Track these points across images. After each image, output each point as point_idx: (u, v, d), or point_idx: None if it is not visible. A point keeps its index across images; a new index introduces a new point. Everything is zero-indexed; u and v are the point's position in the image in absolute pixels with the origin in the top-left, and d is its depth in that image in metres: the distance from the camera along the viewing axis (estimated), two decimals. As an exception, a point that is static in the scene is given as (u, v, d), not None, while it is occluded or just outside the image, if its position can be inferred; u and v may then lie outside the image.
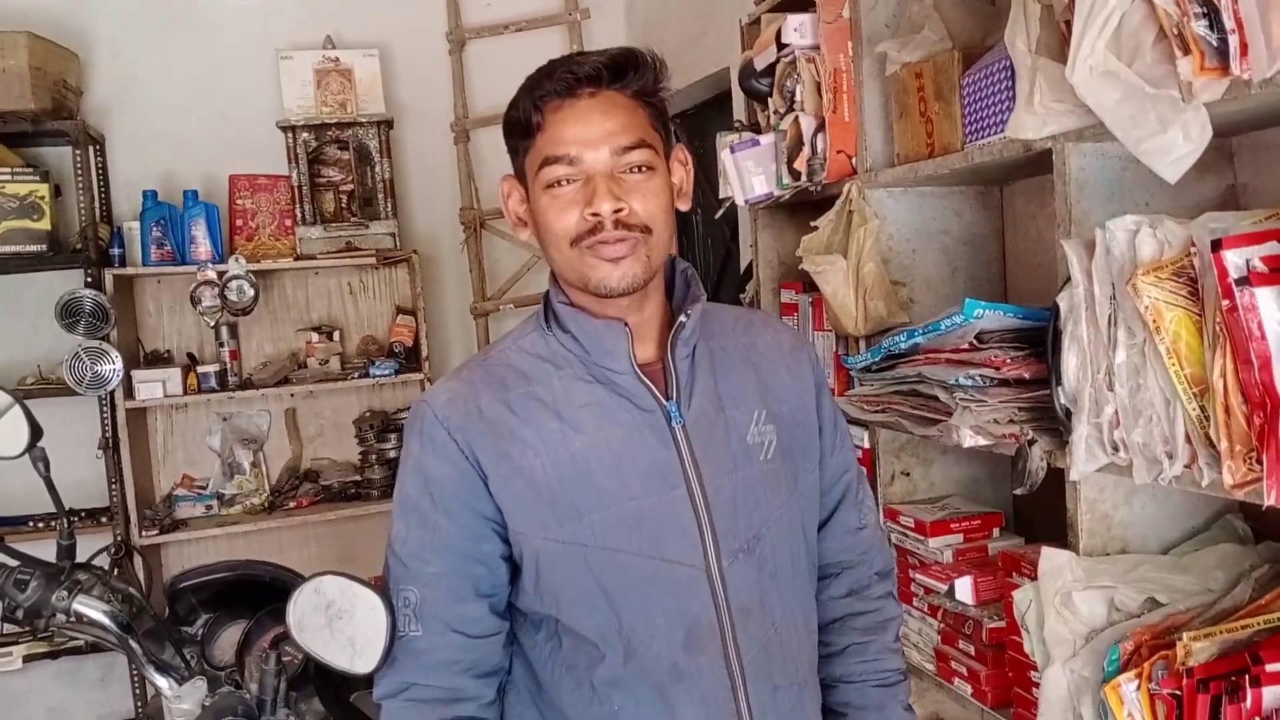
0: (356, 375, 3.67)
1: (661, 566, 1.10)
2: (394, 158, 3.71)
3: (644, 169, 1.10)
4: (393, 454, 3.79)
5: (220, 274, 3.36)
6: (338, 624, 1.07)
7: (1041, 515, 1.86)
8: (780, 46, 2.00)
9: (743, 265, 3.17)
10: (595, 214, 1.08)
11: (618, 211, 1.08)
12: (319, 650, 1.09)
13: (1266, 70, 1.05)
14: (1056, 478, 1.46)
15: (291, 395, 3.78)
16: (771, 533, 1.16)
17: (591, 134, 1.08)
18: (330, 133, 3.64)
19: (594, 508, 1.10)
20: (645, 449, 1.12)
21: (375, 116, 3.65)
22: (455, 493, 1.12)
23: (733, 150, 2.19)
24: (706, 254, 4.00)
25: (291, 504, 3.61)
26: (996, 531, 1.85)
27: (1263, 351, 1.08)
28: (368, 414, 3.86)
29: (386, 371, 3.66)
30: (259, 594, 1.56)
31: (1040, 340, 1.51)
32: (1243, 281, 1.09)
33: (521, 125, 1.12)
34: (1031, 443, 1.44)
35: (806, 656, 1.22)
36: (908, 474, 1.97)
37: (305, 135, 3.59)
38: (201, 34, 3.67)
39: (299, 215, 3.61)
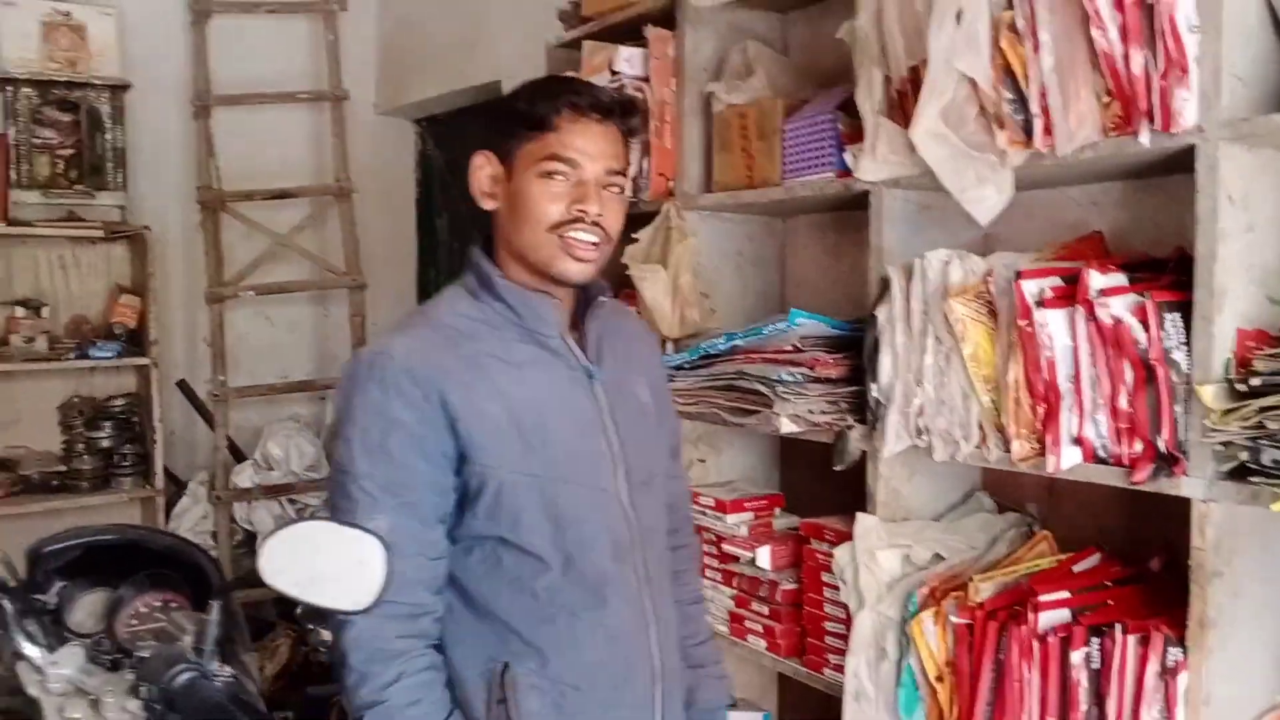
0: (72, 356, 3.38)
1: (594, 494, 1.36)
2: (126, 127, 3.48)
3: (619, 189, 1.36)
4: (105, 443, 3.53)
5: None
6: (321, 566, 1.13)
7: (805, 496, 2.21)
8: (612, 74, 2.20)
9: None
10: (583, 210, 1.31)
11: (599, 215, 1.32)
12: (299, 592, 1.14)
13: (1067, 147, 1.43)
14: (825, 463, 1.80)
15: (-13, 375, 3.40)
16: (659, 474, 1.47)
17: (595, 149, 1.31)
18: (56, 91, 3.35)
19: (547, 444, 1.32)
20: (576, 399, 1.37)
21: (109, 80, 3.41)
22: (424, 434, 1.28)
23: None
24: (451, 257, 4.10)
25: (-13, 495, 3.25)
26: (778, 510, 2.17)
27: (1050, 358, 1.45)
28: (76, 400, 3.56)
29: (108, 354, 3.42)
30: (120, 561, 1.52)
31: (845, 347, 1.84)
32: (1040, 304, 1.45)
33: (533, 119, 1.31)
34: (849, 428, 1.76)
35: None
36: (703, 461, 2.25)
37: (27, 90, 3.28)
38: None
39: (12, 177, 3.28)
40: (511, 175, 1.33)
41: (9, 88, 3.25)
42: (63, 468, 3.49)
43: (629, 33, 2.28)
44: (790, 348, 1.84)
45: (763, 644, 2.00)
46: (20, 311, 3.39)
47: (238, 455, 3.86)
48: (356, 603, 1.14)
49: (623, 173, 1.35)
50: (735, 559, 2.07)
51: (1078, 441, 1.44)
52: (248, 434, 3.95)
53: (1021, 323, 1.47)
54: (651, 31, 2.18)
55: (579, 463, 1.35)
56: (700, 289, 2.19)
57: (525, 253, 1.34)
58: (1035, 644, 1.46)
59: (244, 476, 3.71)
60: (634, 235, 2.22)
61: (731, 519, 2.09)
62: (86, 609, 1.49)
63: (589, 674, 1.33)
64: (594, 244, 1.32)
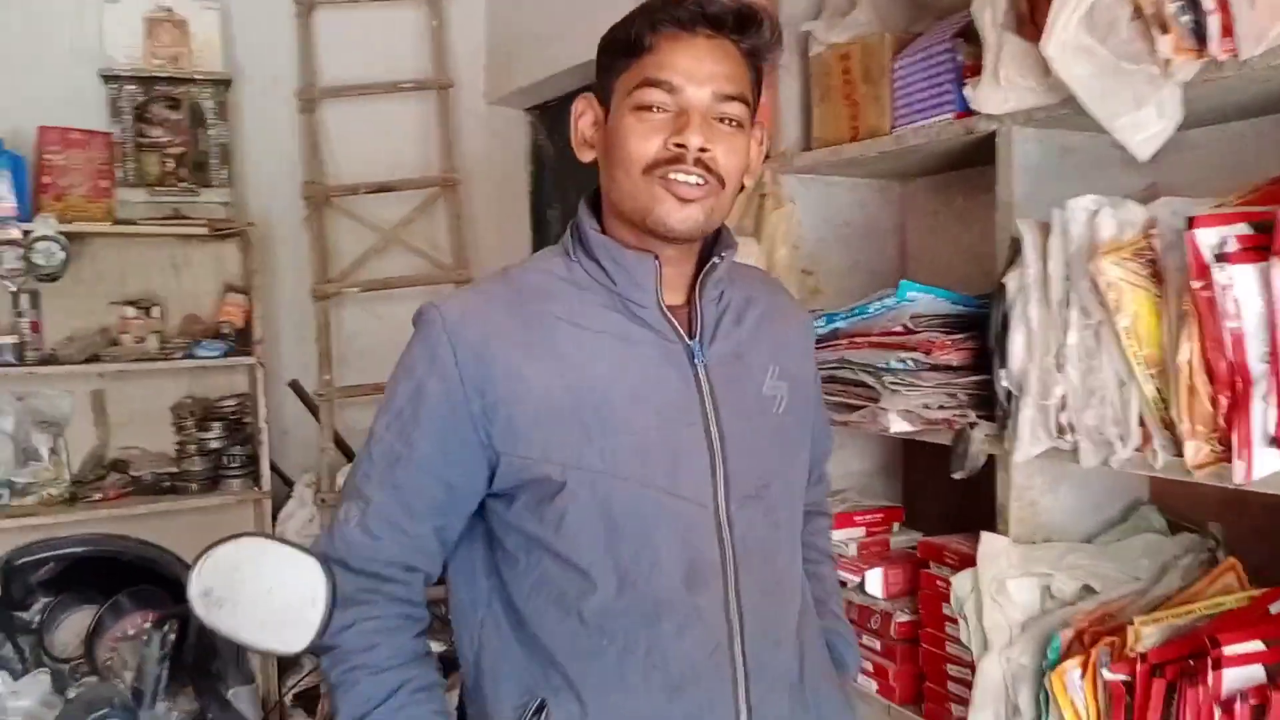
0: (179, 356, 3.33)
1: (669, 501, 1.08)
2: (230, 122, 3.42)
3: (735, 123, 1.09)
4: (214, 444, 3.48)
5: (25, 233, 2.97)
6: (259, 596, 0.90)
7: (933, 508, 1.86)
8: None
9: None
10: (681, 145, 1.05)
11: (703, 151, 1.05)
12: (233, 629, 0.92)
13: (1255, 49, 1.06)
14: (944, 468, 1.45)
15: (100, 375, 3.38)
16: (779, 484, 1.17)
17: (700, 70, 1.06)
18: (160, 88, 3.30)
19: (607, 433, 1.07)
20: (665, 381, 1.11)
21: (212, 74, 3.35)
22: (442, 414, 1.08)
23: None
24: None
25: (97, 496, 3.23)
26: (896, 526, 1.84)
27: (1237, 330, 1.09)
28: (188, 400, 3.51)
29: (214, 353, 3.34)
30: (112, 575, 1.34)
31: (968, 327, 1.50)
32: (1221, 260, 1.09)
33: (628, 43, 1.08)
34: (973, 425, 1.42)
35: (811, 617, 1.24)
36: (808, 466, 1.92)
37: (131, 88, 3.25)
38: (13, -31, 3.27)
39: (120, 176, 3.25)
40: (609, 115, 1.11)
41: (113, 85, 3.22)
42: (174, 469, 3.45)
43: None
44: (900, 329, 1.51)
45: (874, 686, 1.67)
46: (131, 312, 3.36)
47: (349, 456, 3.76)
48: (290, 643, 0.90)
49: (743, 99, 1.09)
50: (843, 584, 1.74)
51: (1276, 442, 1.07)
52: (361, 434, 3.84)
53: (1197, 285, 1.11)
54: (743, -31, 1.88)
55: (655, 459, 1.08)
56: (801, 264, 1.88)
57: (622, 203, 1.10)
58: (1217, 711, 1.09)
59: (351, 478, 3.60)
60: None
61: (839, 535, 1.76)
62: (71, 630, 1.32)
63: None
64: (698, 184, 1.06)
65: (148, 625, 1.31)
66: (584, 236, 1.14)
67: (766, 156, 1.89)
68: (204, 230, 3.33)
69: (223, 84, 3.38)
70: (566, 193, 3.94)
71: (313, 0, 3.64)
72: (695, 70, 1.06)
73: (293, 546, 0.93)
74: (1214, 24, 1.11)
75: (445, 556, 1.17)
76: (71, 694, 1.16)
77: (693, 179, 1.06)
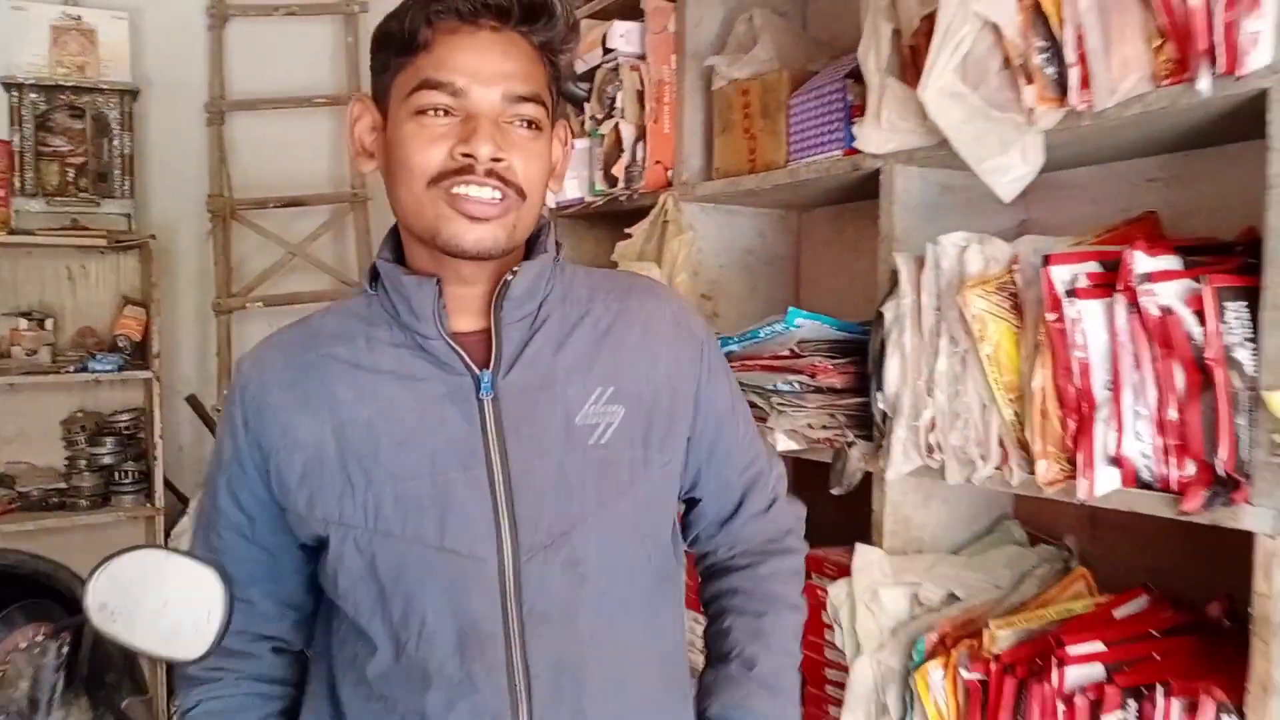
0: (73, 369, 3.26)
1: (439, 557, 0.96)
2: (135, 133, 3.38)
3: (533, 126, 0.98)
4: (106, 460, 3.40)
5: (-86, 238, 2.89)
6: (157, 608, 0.92)
7: (820, 524, 1.95)
8: (605, 51, 2.00)
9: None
10: (469, 155, 0.94)
11: (496, 160, 0.94)
12: (129, 640, 0.93)
13: (1108, 101, 1.17)
14: (826, 485, 1.53)
15: (-11, 388, 3.29)
16: (589, 529, 1.00)
17: (486, 69, 0.95)
18: (64, 97, 3.25)
19: (370, 484, 0.97)
20: (443, 422, 0.98)
21: (119, 85, 3.30)
22: (234, 472, 1.04)
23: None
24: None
25: (-20, 511, 3.13)
26: (784, 541, 1.91)
27: (1084, 359, 1.19)
28: (79, 414, 3.43)
29: (109, 367, 3.27)
30: (1, 589, 1.33)
31: (851, 352, 1.59)
32: (1071, 294, 1.19)
33: (403, 39, 0.96)
34: (850, 444, 1.50)
35: (649, 683, 1.07)
36: (702, 484, 2.00)
37: (34, 96, 3.19)
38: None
39: (16, 184, 3.18)
40: (387, 120, 1.00)
41: (14, 93, 3.16)
42: (63, 485, 3.36)
43: (628, 9, 2.07)
44: (788, 353, 1.60)
45: (759, 694, 1.74)
46: (23, 323, 3.28)
47: (247, 473, 3.72)
48: (188, 651, 0.92)
49: (539, 101, 0.98)
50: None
51: (1116, 462, 1.17)
52: (260, 451, 3.81)
53: (1050, 317, 1.22)
54: (650, 3, 1.97)
55: (421, 511, 0.96)
56: (701, 290, 1.96)
57: (410, 222, 0.99)
58: (1059, 706, 1.19)
59: (249, 495, 3.56)
60: (627, 231, 2.00)
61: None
62: (-44, 642, 1.30)
63: None
64: (494, 200, 0.95)
65: (39, 638, 1.31)
66: (377, 265, 1.04)
67: (669, 184, 1.97)
68: (103, 241, 3.27)
69: (129, 94, 3.34)
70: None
71: (226, 12, 3.61)
72: (480, 69, 0.94)
73: (189, 557, 0.95)
74: (1074, 76, 1.22)
75: (304, 623, 1.11)
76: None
77: (486, 193, 0.95)
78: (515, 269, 1.01)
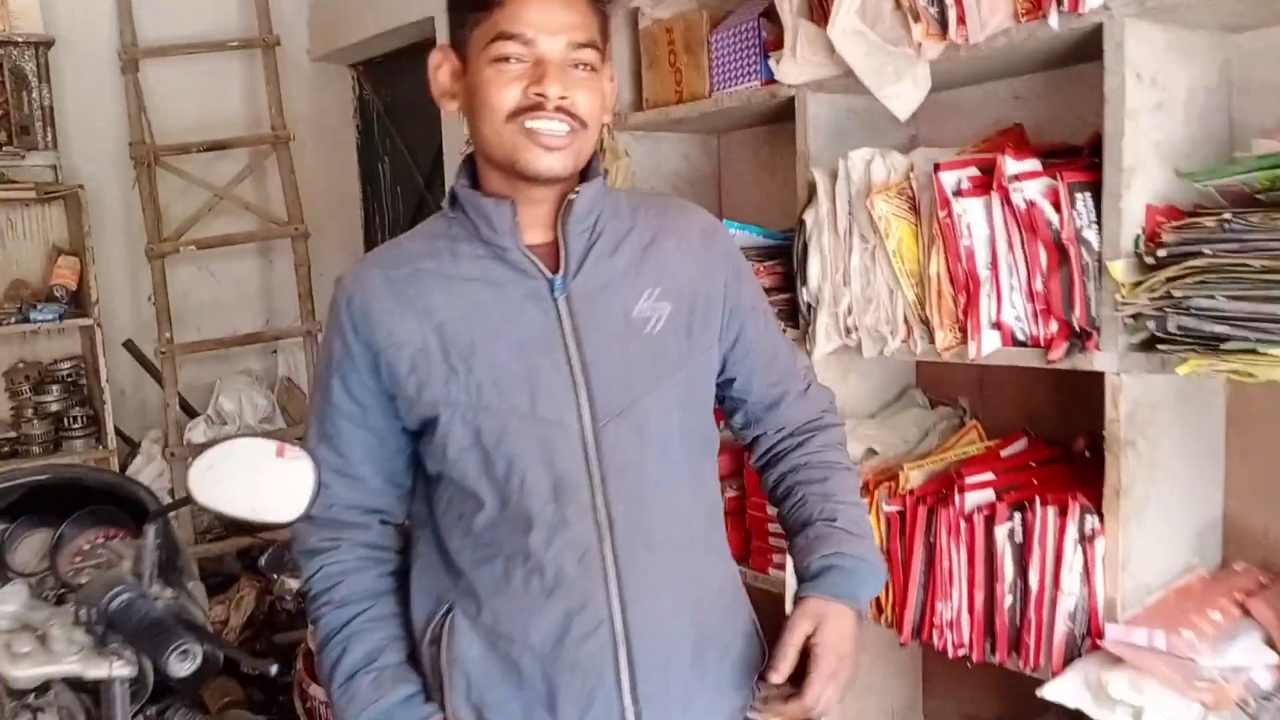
0: (13, 321, 3.33)
1: (533, 424, 1.16)
2: (54, 84, 3.40)
3: (590, 68, 1.15)
4: (54, 407, 3.49)
5: None
6: (255, 482, 1.14)
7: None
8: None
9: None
10: (541, 94, 1.11)
11: (563, 99, 1.12)
12: (226, 508, 1.15)
13: (979, 35, 1.44)
14: None
15: (-74, 344, 3.34)
16: (649, 400, 1.19)
17: (552, 22, 1.12)
18: (-23, 50, 3.26)
19: (472, 371, 1.16)
20: (526, 317, 1.17)
21: (32, 37, 3.32)
22: (347, 370, 1.22)
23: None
24: (396, 201, 4.06)
25: (-65, 463, 3.21)
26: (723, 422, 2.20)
27: (969, 247, 1.48)
28: (21, 365, 3.51)
29: (50, 316, 3.34)
30: (60, 500, 1.52)
31: (777, 255, 1.86)
32: (958, 194, 1.48)
33: None
34: (784, 332, 1.78)
35: (698, 524, 1.26)
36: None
37: (-53, 50, 3.19)
38: None
39: (-65, 140, 3.20)
40: (467, 67, 1.17)
41: (-73, 47, 3.16)
42: (13, 434, 3.45)
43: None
44: (723, 258, 1.86)
45: (712, 553, 2.04)
46: (-45, 278, 3.33)
47: (190, 413, 3.84)
48: (285, 514, 1.15)
49: (593, 45, 1.16)
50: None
51: (996, 326, 1.48)
52: (200, 391, 3.93)
53: (941, 214, 1.50)
54: (575, -49, 2.15)
55: (515, 388, 1.16)
56: (636, 210, 2.19)
57: (490, 152, 1.17)
58: (961, 523, 1.50)
59: (197, 432, 3.69)
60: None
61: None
62: (30, 549, 1.49)
63: (522, 626, 1.18)
64: (562, 134, 1.13)
65: (100, 540, 1.51)
66: (455, 191, 1.22)
67: (602, 116, 2.19)
68: (32, 194, 3.32)
69: (44, 45, 3.35)
70: (396, 146, 4.09)
71: (129, -41, 3.62)
72: (548, 22, 1.11)
73: (282, 443, 1.17)
74: (952, 15, 1.49)
75: (405, 498, 1.28)
76: (49, 596, 1.34)
77: (556, 126, 1.11)
78: (577, 190, 1.19)
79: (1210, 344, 1.27)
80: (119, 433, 3.62)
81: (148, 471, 3.66)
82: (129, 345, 3.85)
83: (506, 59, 1.12)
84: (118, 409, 3.62)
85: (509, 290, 1.19)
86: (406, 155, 4.00)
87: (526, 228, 1.20)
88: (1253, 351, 1.22)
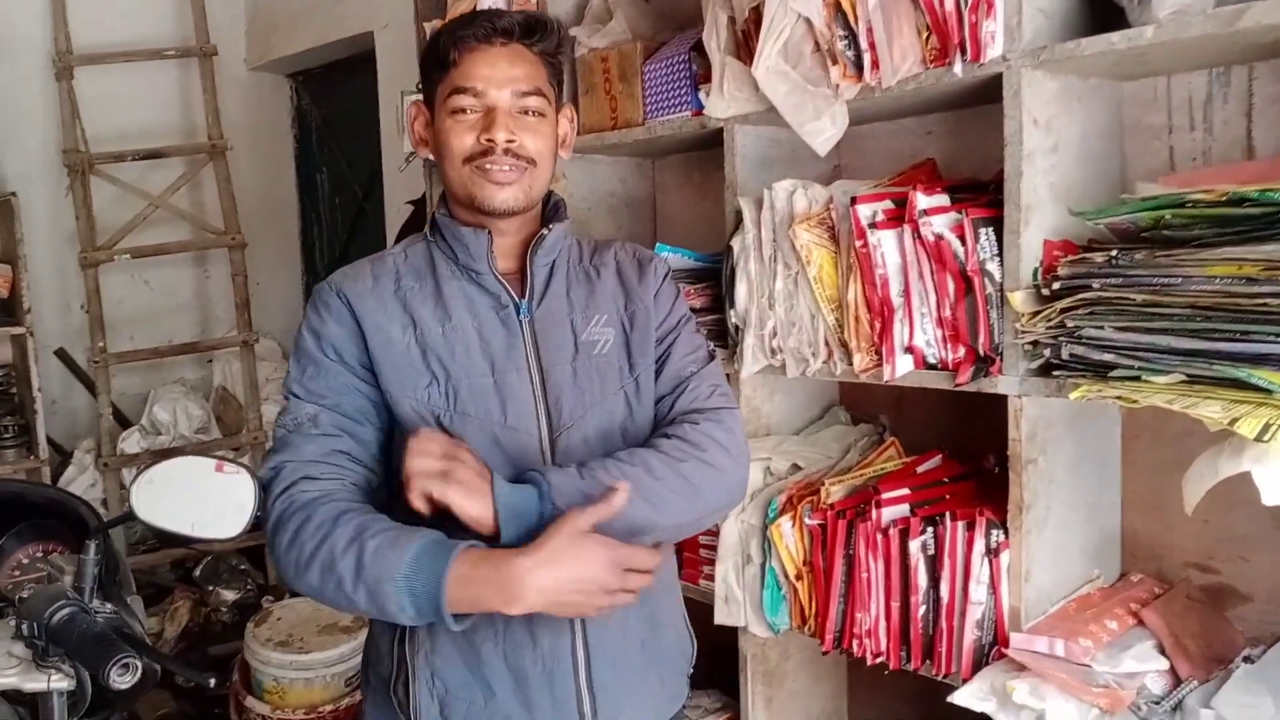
0: (-59, 329, 3.29)
1: (504, 432, 1.29)
2: (-18, 90, 3.38)
3: (536, 114, 1.32)
4: (-16, 416, 3.46)
5: None
6: (197, 499, 1.19)
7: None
8: (477, 21, 2.24)
9: (393, 217, 3.34)
10: (490, 140, 1.28)
11: (510, 142, 1.28)
12: (171, 525, 1.20)
13: (892, 79, 1.54)
14: None
15: None
16: (597, 413, 1.33)
17: (498, 75, 1.29)
18: (-96, 54, 3.22)
19: (450, 378, 1.29)
20: (498, 335, 1.32)
21: (-39, 42, 3.30)
22: (345, 345, 1.31)
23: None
24: (334, 212, 4.08)
25: None
26: (655, 439, 2.28)
27: (883, 275, 1.58)
28: (-50, 373, 3.47)
29: (-20, 325, 3.32)
30: (1, 514, 1.54)
31: (706, 278, 1.95)
32: (873, 226, 1.57)
33: (439, 58, 1.32)
34: (711, 353, 1.86)
35: None
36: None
37: (-128, 54, 3.15)
38: None
39: None
40: (434, 118, 1.35)
41: None
42: (-59, 442, 3.41)
43: (494, -20, 2.31)
44: (655, 280, 1.93)
45: (644, 563, 2.11)
46: (-118, 286, 3.28)
47: (124, 422, 3.82)
48: (225, 530, 1.20)
49: (539, 93, 1.32)
50: (614, 485, 2.17)
51: (909, 350, 1.57)
52: (133, 400, 3.91)
53: (858, 244, 1.59)
54: (514, -22, 2.22)
55: (488, 398, 1.30)
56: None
57: (454, 191, 1.34)
58: (879, 537, 1.60)
59: (131, 442, 3.68)
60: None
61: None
62: (-34, 561, 1.51)
63: (486, 615, 1.21)
64: (510, 169, 1.29)
65: (40, 554, 1.54)
66: (437, 220, 1.38)
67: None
68: (-38, 201, 3.28)
69: (-27, 51, 3.33)
70: (334, 158, 4.11)
71: (63, -35, 3.60)
72: (494, 76, 1.29)
73: (223, 460, 1.22)
74: (867, 59, 1.58)
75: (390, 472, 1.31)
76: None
77: (502, 166, 1.28)
78: (548, 228, 1.37)
79: (1100, 370, 1.37)
80: (51, 442, 3.59)
81: (80, 481, 3.64)
82: (61, 354, 3.83)
83: (462, 110, 1.30)
84: (49, 418, 3.59)
85: (482, 310, 1.34)
86: (345, 167, 4.02)
87: (497, 256, 1.35)
88: (1136, 379, 1.32)
